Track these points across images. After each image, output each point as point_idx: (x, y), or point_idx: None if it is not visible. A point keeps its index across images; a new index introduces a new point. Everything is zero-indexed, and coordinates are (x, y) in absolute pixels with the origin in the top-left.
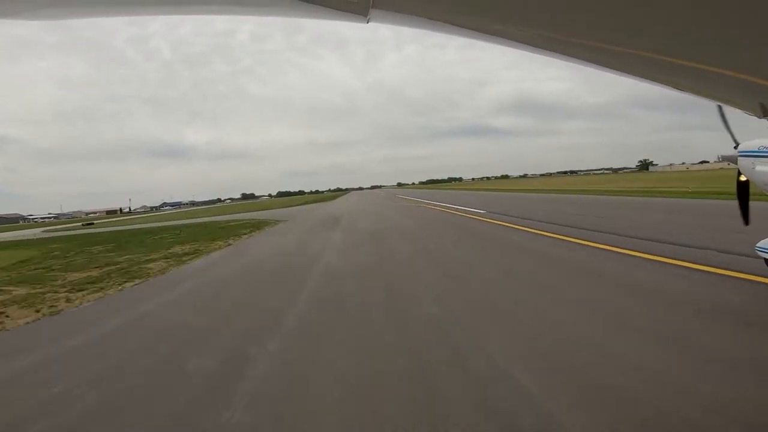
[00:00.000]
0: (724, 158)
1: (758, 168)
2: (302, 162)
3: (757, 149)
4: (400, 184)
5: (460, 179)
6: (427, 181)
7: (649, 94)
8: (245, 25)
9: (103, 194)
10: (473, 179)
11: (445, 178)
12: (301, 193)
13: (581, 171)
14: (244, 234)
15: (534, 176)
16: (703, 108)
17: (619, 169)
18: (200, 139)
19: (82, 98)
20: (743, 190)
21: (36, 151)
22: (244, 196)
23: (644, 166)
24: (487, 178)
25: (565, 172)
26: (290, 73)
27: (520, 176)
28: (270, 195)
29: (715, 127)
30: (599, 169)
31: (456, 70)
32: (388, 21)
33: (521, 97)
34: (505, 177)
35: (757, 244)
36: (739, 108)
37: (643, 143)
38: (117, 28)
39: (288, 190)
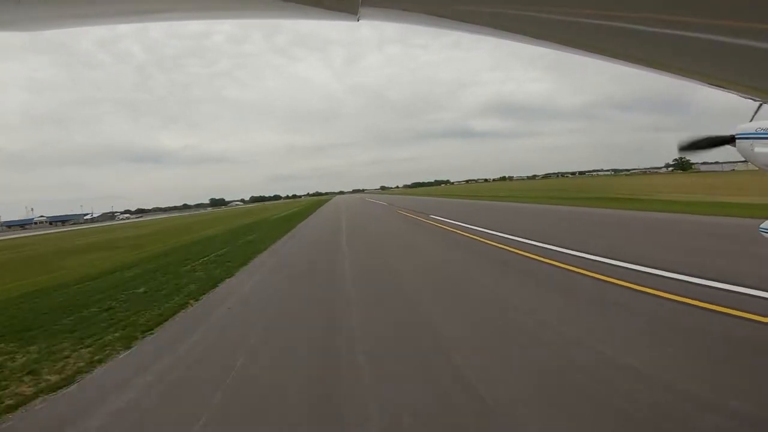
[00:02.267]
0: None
1: (757, 149)
2: (285, 166)
3: (754, 131)
4: (383, 188)
5: (447, 182)
6: (412, 184)
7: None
8: (224, 26)
9: (74, 200)
10: (467, 182)
11: (432, 180)
12: (276, 198)
13: (587, 172)
14: None
15: (542, 176)
16: (676, 108)
17: (622, 170)
18: (178, 143)
19: (54, 102)
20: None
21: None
22: (214, 202)
23: (681, 165)
24: (485, 180)
25: (574, 173)
26: (271, 75)
27: (528, 177)
28: (243, 200)
29: (685, 128)
30: (604, 170)
31: (440, 72)
32: (378, 18)
33: (507, 98)
34: (504, 179)
35: (761, 225)
36: (736, 92)
37: (632, 143)
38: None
39: (262, 195)
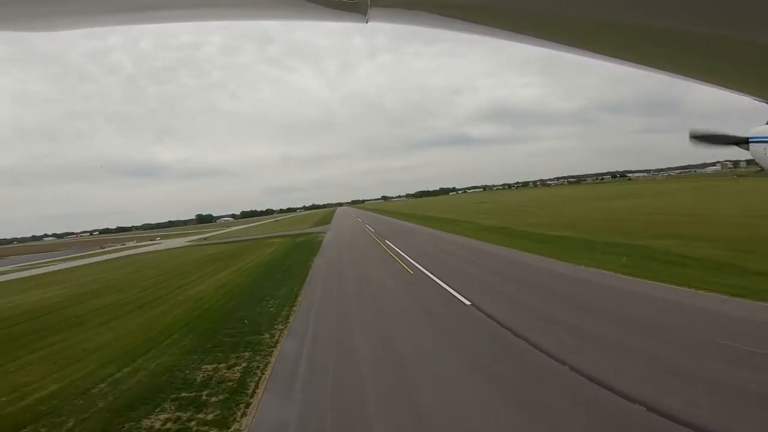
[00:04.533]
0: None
1: None
2: (281, 177)
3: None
4: (385, 198)
5: (454, 189)
6: (416, 193)
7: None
8: (214, 37)
9: (67, 216)
10: (483, 188)
11: (437, 189)
12: (269, 212)
13: (626, 174)
14: None
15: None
16: (666, 109)
17: (666, 169)
18: (173, 156)
19: (44, 115)
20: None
21: None
22: (201, 219)
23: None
24: (507, 186)
25: (615, 175)
26: (265, 86)
27: (570, 182)
28: (234, 216)
29: (677, 128)
30: (635, 172)
31: (433, 79)
32: (387, 19)
33: (502, 103)
34: (526, 185)
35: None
36: (747, 94)
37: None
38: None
39: (254, 209)
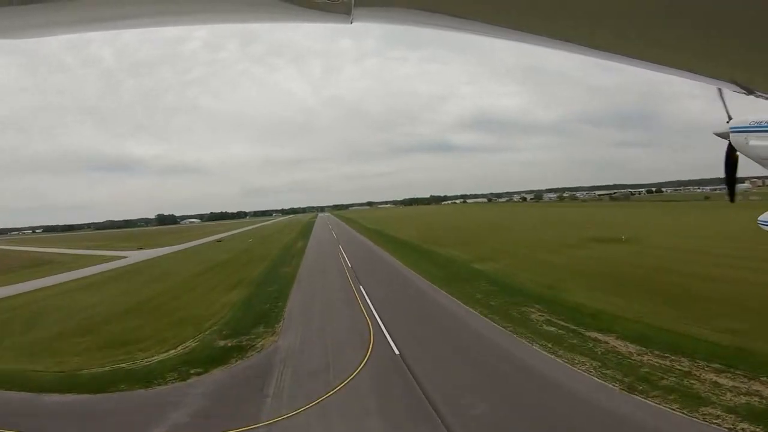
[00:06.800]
0: (717, 135)
1: (751, 143)
2: (262, 178)
3: (748, 124)
4: (371, 204)
5: (445, 198)
6: (405, 200)
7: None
8: (198, 34)
9: (36, 209)
10: (489, 199)
11: (427, 196)
12: (240, 215)
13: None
14: None
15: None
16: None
17: (695, 182)
18: (149, 152)
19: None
20: (732, 167)
21: None
22: (162, 220)
23: None
24: (522, 198)
25: (650, 191)
26: (248, 85)
27: (618, 194)
28: (200, 219)
29: (645, 144)
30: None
31: (417, 86)
32: (372, 19)
33: (485, 112)
34: (539, 197)
35: (760, 218)
36: (725, 81)
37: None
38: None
39: (225, 211)
